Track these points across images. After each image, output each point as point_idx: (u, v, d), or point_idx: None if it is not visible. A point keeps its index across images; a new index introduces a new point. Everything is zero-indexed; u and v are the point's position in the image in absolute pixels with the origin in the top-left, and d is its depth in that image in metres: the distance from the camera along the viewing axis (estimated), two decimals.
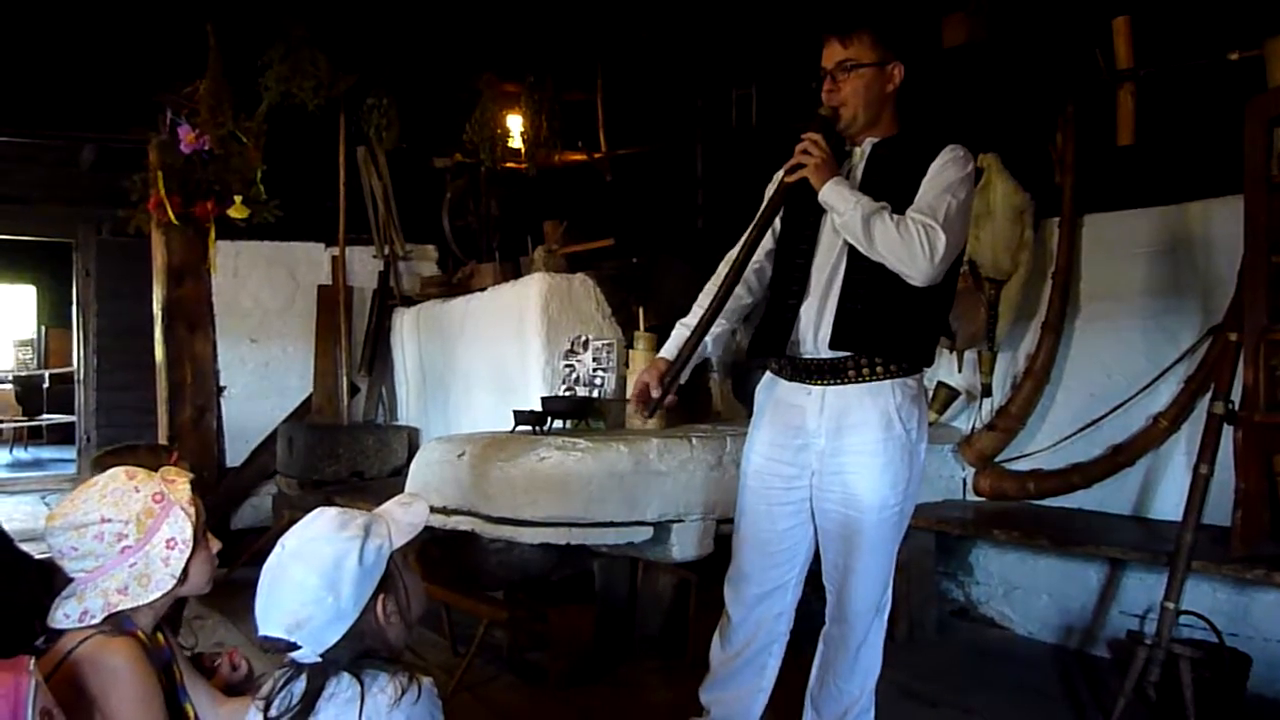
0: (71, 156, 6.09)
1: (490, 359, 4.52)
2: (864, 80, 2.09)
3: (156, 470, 1.60)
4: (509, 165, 5.28)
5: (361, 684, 1.34)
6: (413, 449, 4.84)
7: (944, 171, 2.06)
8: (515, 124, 5.30)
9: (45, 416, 9.82)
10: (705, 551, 3.10)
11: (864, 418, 2.09)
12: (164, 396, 4.93)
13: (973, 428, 3.79)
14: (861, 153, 2.18)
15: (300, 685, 1.35)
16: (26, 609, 1.53)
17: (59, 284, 9.45)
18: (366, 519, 1.40)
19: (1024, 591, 3.70)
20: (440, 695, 1.44)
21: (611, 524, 2.97)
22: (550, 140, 5.27)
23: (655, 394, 2.14)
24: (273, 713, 1.35)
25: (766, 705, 2.34)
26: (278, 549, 1.38)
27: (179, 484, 1.57)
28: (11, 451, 9.77)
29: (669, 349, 2.23)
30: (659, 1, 4.73)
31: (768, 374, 2.30)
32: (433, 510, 2.44)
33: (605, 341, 3.91)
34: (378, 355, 5.55)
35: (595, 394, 3.80)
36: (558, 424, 3.55)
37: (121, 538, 1.49)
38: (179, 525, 1.53)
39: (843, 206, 2.02)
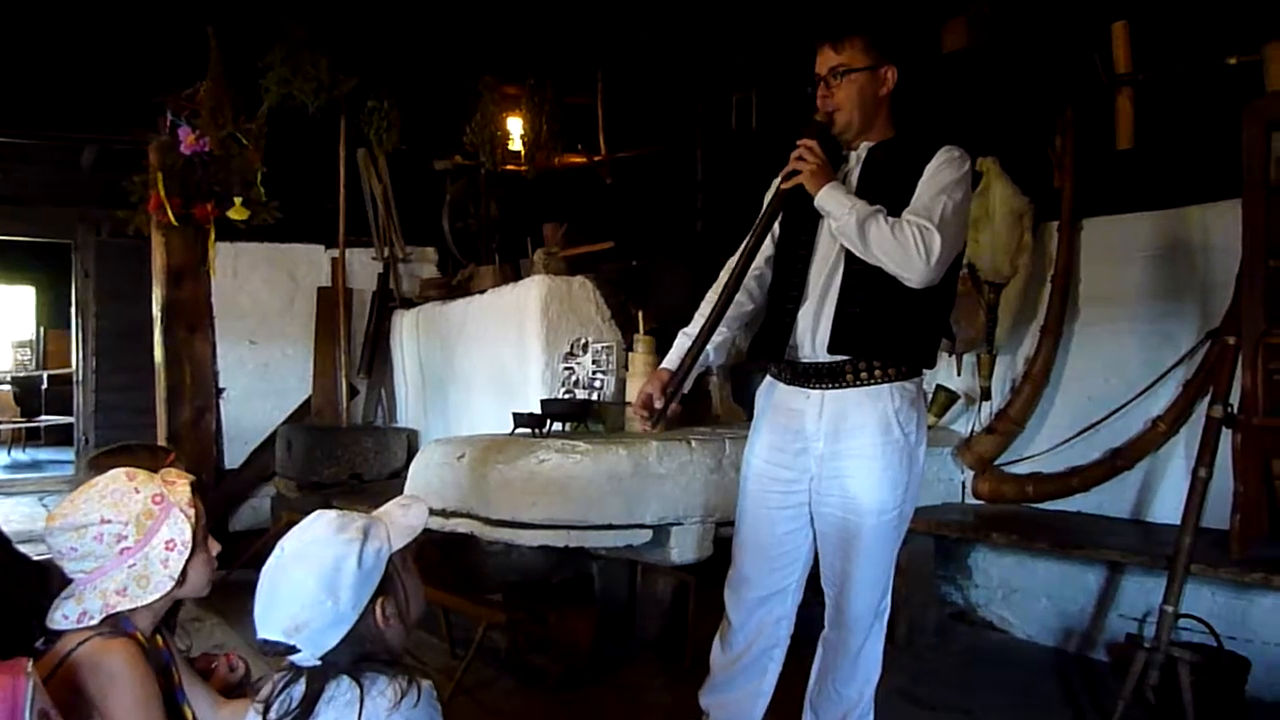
0: (71, 157, 6.07)
1: (490, 361, 4.52)
2: (857, 85, 2.10)
3: (153, 471, 1.60)
4: (509, 168, 5.28)
5: (360, 687, 1.34)
6: (412, 451, 4.84)
7: (940, 173, 2.06)
8: (515, 126, 5.31)
9: (43, 418, 9.79)
10: (705, 554, 3.10)
11: (863, 421, 2.08)
12: (163, 398, 4.93)
13: (972, 431, 3.79)
14: (857, 157, 2.18)
15: (299, 688, 1.35)
16: (25, 610, 1.53)
17: (58, 285, 9.42)
18: (365, 521, 1.40)
19: (1023, 595, 3.70)
20: (439, 698, 1.43)
21: (611, 527, 2.97)
22: (550, 143, 5.28)
23: (658, 404, 2.14)
24: (272, 716, 1.34)
25: (766, 709, 2.33)
26: (276, 552, 1.38)
27: (179, 485, 1.57)
28: (9, 453, 9.73)
29: (671, 359, 2.22)
30: (659, 5, 4.74)
31: (767, 378, 2.30)
32: (432, 513, 2.43)
33: (605, 344, 3.91)
34: (377, 357, 5.56)
35: (594, 397, 3.80)
36: (557, 426, 3.55)
37: (121, 539, 1.49)
38: (178, 527, 1.53)
39: (838, 211, 2.02)
